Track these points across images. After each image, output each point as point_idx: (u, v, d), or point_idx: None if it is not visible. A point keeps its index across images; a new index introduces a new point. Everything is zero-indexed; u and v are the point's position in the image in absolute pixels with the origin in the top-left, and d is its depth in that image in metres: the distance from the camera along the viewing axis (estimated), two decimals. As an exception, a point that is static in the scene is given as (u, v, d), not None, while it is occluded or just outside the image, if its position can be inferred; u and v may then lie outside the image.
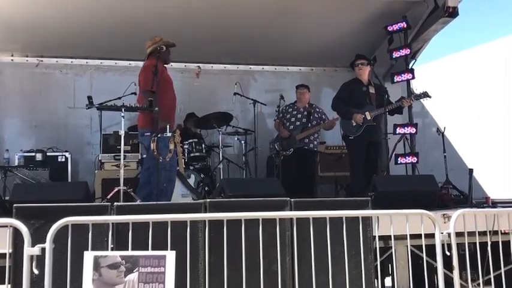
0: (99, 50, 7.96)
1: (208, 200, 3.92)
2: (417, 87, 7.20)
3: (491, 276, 4.09)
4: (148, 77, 5.32)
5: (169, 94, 5.61)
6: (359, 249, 3.69)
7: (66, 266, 3.10)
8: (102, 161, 6.97)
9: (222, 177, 7.23)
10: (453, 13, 7.09)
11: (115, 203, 3.73)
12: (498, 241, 3.96)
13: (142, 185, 5.33)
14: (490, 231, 4.06)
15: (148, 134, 5.15)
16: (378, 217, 3.92)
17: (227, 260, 3.34)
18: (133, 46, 7.64)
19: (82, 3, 6.91)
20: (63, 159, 7.13)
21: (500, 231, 4.07)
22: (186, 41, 7.35)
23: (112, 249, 3.42)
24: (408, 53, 7.51)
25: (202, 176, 6.93)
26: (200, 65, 8.58)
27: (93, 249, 3.09)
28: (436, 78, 8.21)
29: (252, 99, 7.53)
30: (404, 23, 7.44)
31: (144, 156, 5.68)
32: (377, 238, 3.81)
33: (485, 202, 5.94)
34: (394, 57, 7.59)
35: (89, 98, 5.13)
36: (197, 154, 7.12)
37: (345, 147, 6.99)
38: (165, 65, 5.67)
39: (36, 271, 2.95)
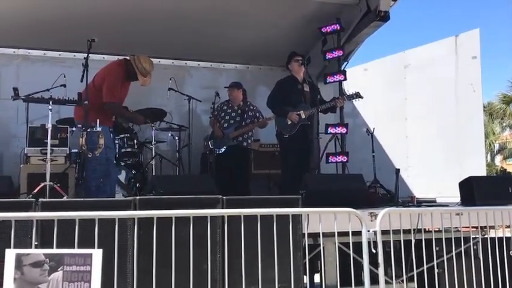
0: (28, 40, 7.64)
1: (138, 197, 3.84)
2: (349, 88, 7.37)
3: (415, 272, 4.24)
4: (115, 86, 5.55)
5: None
6: (289, 247, 3.74)
7: (-15, 265, 2.96)
8: (28, 154, 6.68)
9: (154, 174, 7.12)
10: (384, 17, 7.31)
11: (40, 199, 3.60)
12: (421, 239, 4.12)
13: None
14: (414, 230, 4.21)
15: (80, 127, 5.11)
16: (307, 215, 3.99)
17: (156, 259, 3.30)
18: (63, 37, 7.41)
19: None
20: (-14, 152, 6.82)
21: (424, 229, 4.23)
22: (119, 33, 7.21)
23: (36, 246, 3.30)
24: (341, 54, 7.66)
25: (133, 172, 6.79)
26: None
27: (16, 246, 2.97)
28: (367, 80, 8.43)
29: (187, 95, 7.46)
30: (337, 25, 7.59)
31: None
32: (306, 235, 3.88)
33: (410, 201, 6.17)
34: (327, 58, 7.72)
35: (15, 89, 4.95)
36: (129, 150, 6.97)
37: (278, 145, 7.06)
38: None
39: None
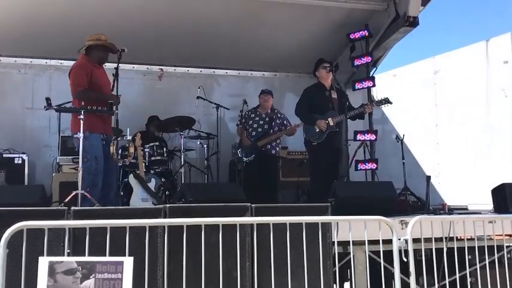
0: (59, 50, 7.80)
1: (168, 205, 3.87)
2: (377, 95, 7.32)
3: (447, 281, 4.17)
4: (79, 76, 5.29)
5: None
6: (318, 255, 3.71)
7: (20, 272, 3.02)
8: (60, 163, 6.84)
9: (183, 182, 7.17)
10: (413, 23, 7.26)
11: (72, 207, 3.65)
12: (453, 247, 4.05)
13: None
14: (445, 238, 4.14)
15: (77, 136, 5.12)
16: (337, 223, 3.96)
17: (186, 266, 3.32)
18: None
19: (41, 2, 6.79)
20: (20, 161, 6.96)
21: (456, 237, 4.16)
22: (149, 43, 7.32)
23: (68, 254, 3.35)
24: (369, 61, 7.63)
25: (163, 180, 6.85)
26: (163, 67, 8.53)
27: (48, 254, 3.02)
28: (395, 86, 8.36)
29: (215, 104, 7.51)
30: (366, 31, 7.56)
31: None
32: (336, 244, 3.85)
33: (441, 208, 6.07)
34: (355, 64, 7.70)
35: (47, 99, 5.02)
36: (158, 158, 7.05)
37: (307, 153, 7.04)
38: (102, 65, 5.59)
39: (-12, 277, 2.86)
